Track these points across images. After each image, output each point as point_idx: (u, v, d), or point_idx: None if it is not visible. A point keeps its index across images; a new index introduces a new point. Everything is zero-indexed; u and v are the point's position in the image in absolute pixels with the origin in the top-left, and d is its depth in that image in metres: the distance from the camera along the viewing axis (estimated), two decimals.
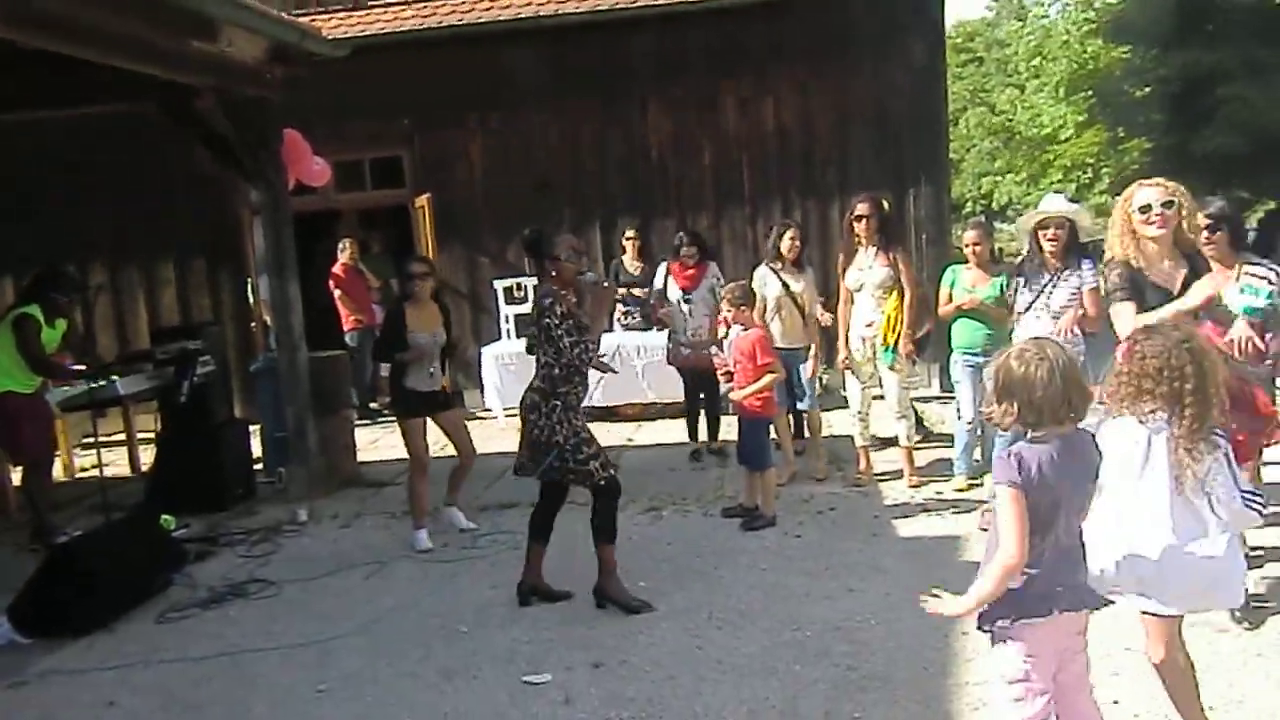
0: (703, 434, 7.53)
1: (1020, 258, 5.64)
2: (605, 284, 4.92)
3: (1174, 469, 2.76)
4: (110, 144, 9.84)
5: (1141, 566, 2.80)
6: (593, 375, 4.76)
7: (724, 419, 7.29)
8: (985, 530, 2.69)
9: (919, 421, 7.19)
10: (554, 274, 4.65)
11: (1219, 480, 2.79)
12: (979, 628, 2.68)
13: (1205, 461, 2.76)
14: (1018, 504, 2.51)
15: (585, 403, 4.77)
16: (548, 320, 4.53)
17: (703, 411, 7.49)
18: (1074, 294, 5.25)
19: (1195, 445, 2.74)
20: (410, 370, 5.73)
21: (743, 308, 5.84)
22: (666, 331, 7.56)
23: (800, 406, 6.86)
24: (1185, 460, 2.74)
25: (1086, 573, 2.69)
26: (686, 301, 7.34)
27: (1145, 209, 3.83)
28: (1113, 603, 2.74)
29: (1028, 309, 5.33)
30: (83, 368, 6.73)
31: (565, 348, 4.49)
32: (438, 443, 5.99)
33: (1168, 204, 3.82)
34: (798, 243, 6.69)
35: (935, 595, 2.63)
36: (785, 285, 6.61)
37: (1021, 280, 5.41)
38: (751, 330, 5.82)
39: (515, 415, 9.11)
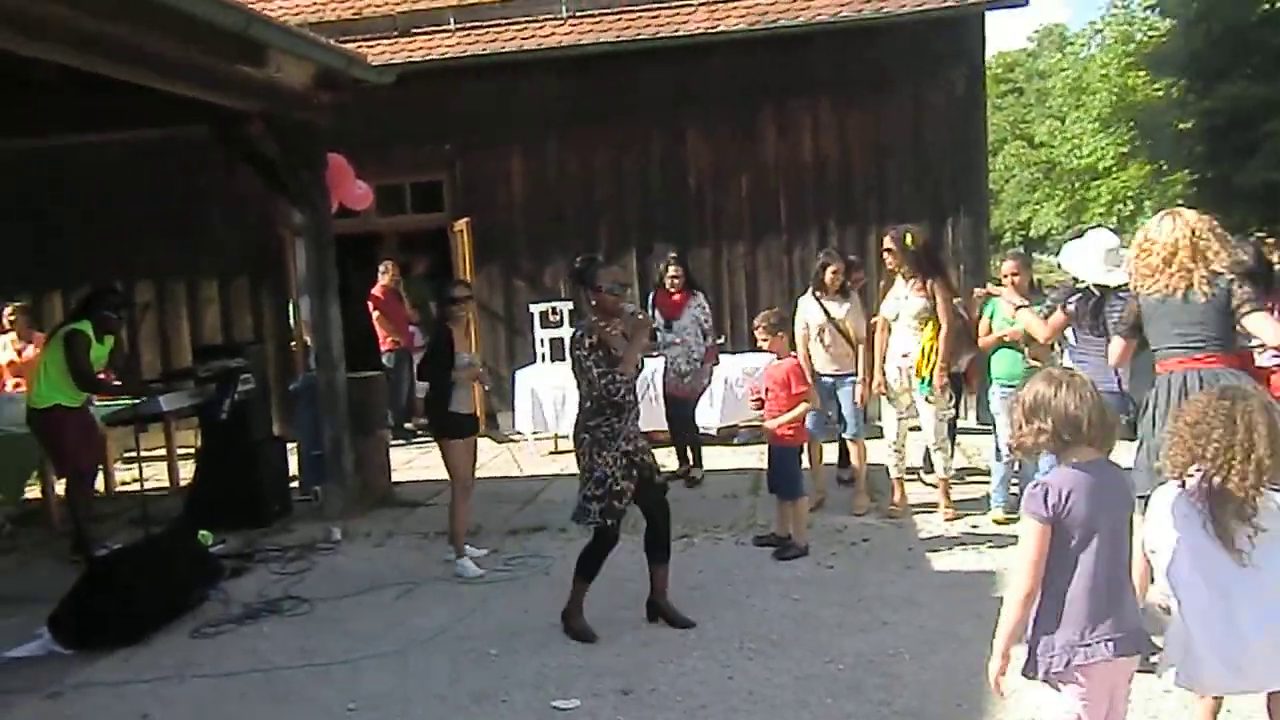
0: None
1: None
2: (641, 315, 4.93)
3: (1218, 531, 2.67)
4: (159, 166, 10.06)
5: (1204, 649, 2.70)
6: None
7: (751, 447, 7.29)
8: None
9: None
10: (594, 304, 4.67)
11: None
12: (1024, 674, 2.63)
13: (1248, 523, 2.65)
14: (1038, 537, 2.55)
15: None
16: (579, 352, 4.55)
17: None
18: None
19: (1232, 505, 2.65)
20: (455, 393, 5.77)
21: (780, 335, 5.84)
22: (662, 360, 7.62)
23: (845, 435, 6.82)
24: (1228, 522, 2.65)
25: (1139, 616, 2.64)
26: (667, 329, 7.50)
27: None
28: (1159, 649, 2.69)
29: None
30: (120, 384, 6.84)
31: (594, 379, 4.51)
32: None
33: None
34: (839, 276, 6.70)
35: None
36: (826, 312, 6.61)
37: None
38: (786, 359, 5.81)
39: (545, 439, 9.22)
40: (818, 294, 6.70)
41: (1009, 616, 2.60)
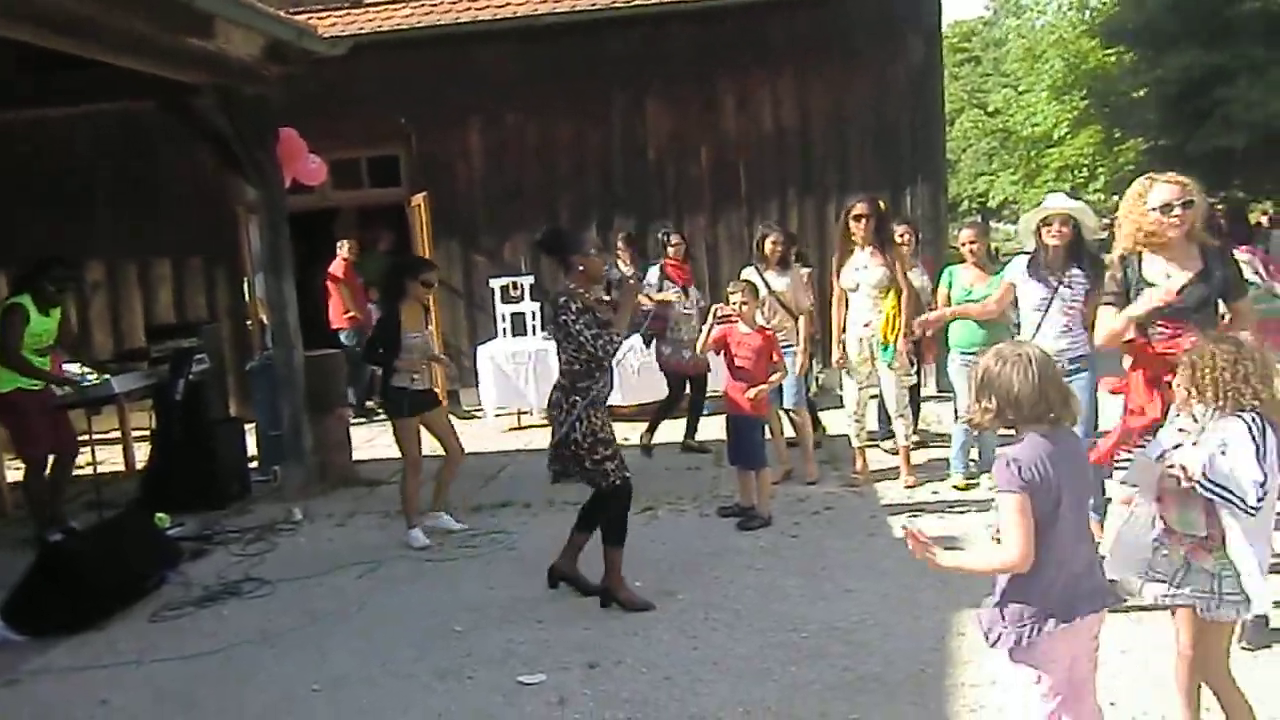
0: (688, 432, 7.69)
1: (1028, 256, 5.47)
2: (631, 279, 4.90)
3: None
4: (107, 141, 9.84)
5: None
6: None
7: (713, 418, 7.37)
8: (997, 541, 2.69)
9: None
10: (581, 270, 4.61)
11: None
12: (990, 643, 2.65)
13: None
14: (1022, 509, 2.51)
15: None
16: (564, 318, 4.50)
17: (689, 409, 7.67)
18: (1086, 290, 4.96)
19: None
20: (403, 370, 5.71)
21: (756, 301, 5.93)
22: (652, 335, 7.55)
23: (784, 406, 6.80)
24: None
25: (1103, 572, 2.70)
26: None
27: (1167, 208, 3.71)
28: (1124, 600, 2.72)
29: (1041, 305, 5.01)
30: (72, 371, 6.64)
31: (587, 340, 4.46)
32: (429, 444, 5.97)
33: (1187, 204, 3.70)
34: (779, 246, 6.73)
35: (919, 535, 2.65)
36: (767, 284, 6.62)
37: (1030, 276, 5.08)
38: (757, 329, 5.83)
39: (508, 415, 9.18)
40: (759, 266, 6.73)
41: (976, 565, 2.72)
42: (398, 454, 5.90)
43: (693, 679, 3.87)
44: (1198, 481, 2.74)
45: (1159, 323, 3.80)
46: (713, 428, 8.10)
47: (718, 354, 5.93)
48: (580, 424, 4.52)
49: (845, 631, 4.20)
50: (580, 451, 4.54)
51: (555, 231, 4.84)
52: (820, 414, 7.71)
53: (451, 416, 9.25)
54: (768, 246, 6.74)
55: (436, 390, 6.11)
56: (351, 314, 9.98)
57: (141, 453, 7.72)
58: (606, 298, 4.76)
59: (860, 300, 6.27)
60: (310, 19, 8.82)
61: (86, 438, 6.57)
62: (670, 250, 7.77)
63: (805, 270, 7.34)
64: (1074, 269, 4.95)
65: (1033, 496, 2.52)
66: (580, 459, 4.55)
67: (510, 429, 9.03)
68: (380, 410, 9.79)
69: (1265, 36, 19.70)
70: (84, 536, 5.38)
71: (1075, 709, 2.64)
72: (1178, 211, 3.70)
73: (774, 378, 5.82)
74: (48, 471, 6.30)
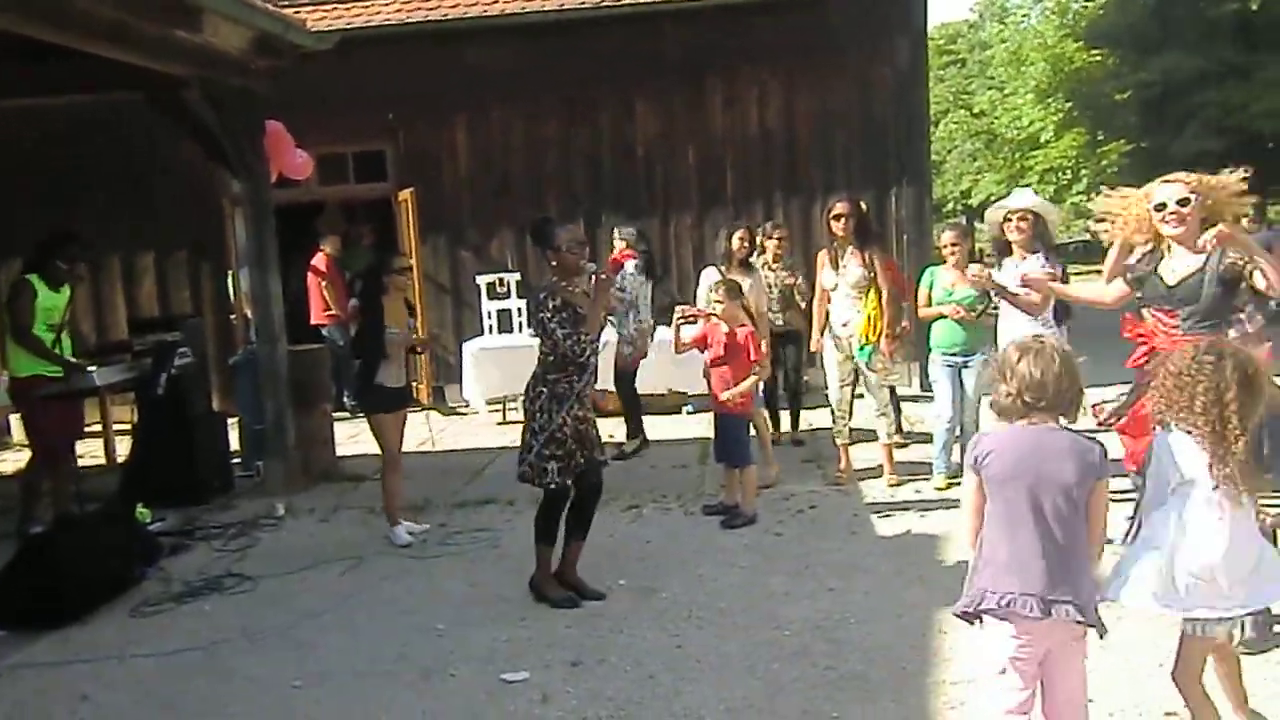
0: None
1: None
2: (604, 275, 4.89)
3: (1216, 483, 2.73)
4: (92, 133, 9.76)
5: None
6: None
7: (699, 415, 7.35)
8: None
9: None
10: (554, 264, 4.64)
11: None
12: (958, 614, 2.74)
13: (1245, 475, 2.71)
14: (970, 485, 2.76)
15: None
16: (543, 314, 4.52)
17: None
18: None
19: (1227, 460, 2.69)
20: (384, 366, 5.70)
21: (736, 301, 5.87)
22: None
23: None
24: (1223, 474, 2.70)
25: (1082, 587, 2.61)
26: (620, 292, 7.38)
27: (1160, 207, 3.88)
28: (1106, 630, 2.68)
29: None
30: (70, 360, 6.58)
31: (559, 339, 4.47)
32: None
33: (1183, 201, 3.85)
34: (746, 244, 6.77)
35: None
36: None
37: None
38: (740, 327, 5.83)
39: (493, 410, 9.17)
40: (722, 266, 6.74)
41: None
42: (380, 451, 5.89)
43: (676, 677, 3.88)
44: None
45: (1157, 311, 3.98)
46: (700, 427, 8.14)
47: (702, 352, 5.94)
48: (540, 415, 4.54)
49: (828, 629, 4.22)
50: (533, 440, 4.56)
51: (540, 221, 4.83)
52: (803, 412, 7.77)
53: (437, 413, 9.34)
54: (735, 243, 6.77)
55: (414, 387, 6.08)
56: (333, 312, 9.92)
57: (123, 446, 7.67)
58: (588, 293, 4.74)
59: (840, 300, 6.30)
60: (299, 13, 8.77)
61: None
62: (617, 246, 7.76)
63: (785, 270, 7.41)
64: (1036, 260, 5.41)
65: (981, 475, 2.69)
66: (530, 447, 4.57)
67: (497, 424, 9.01)
68: (357, 409, 9.77)
69: (1246, 41, 19.90)
70: (65, 530, 5.33)
71: (1053, 697, 2.69)
72: (1172, 210, 3.87)
73: (752, 378, 5.82)
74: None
